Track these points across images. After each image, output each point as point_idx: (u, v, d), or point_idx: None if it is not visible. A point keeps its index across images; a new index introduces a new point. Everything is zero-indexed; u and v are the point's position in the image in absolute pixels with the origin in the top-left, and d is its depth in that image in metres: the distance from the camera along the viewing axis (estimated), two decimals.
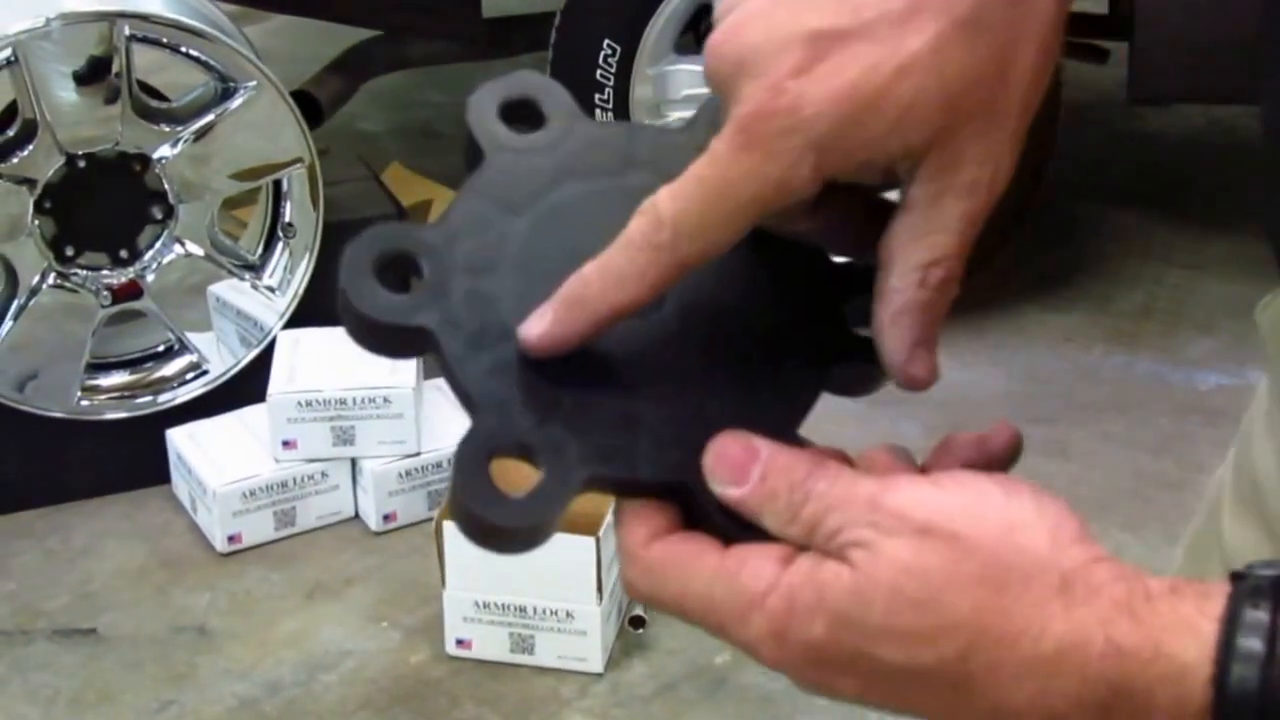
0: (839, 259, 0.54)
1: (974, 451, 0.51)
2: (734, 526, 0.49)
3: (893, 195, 0.53)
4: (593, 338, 0.50)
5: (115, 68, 2.03)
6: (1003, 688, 0.46)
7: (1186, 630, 0.45)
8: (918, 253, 0.50)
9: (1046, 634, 0.45)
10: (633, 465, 0.49)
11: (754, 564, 0.48)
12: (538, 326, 0.49)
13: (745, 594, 0.47)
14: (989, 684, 0.46)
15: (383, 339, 0.51)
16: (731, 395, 0.50)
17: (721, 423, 0.49)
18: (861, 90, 0.48)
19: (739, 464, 0.49)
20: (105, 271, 2.13)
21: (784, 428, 0.50)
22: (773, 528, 0.48)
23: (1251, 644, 0.44)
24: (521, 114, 0.54)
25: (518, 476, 0.49)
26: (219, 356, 2.21)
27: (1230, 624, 0.45)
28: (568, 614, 1.81)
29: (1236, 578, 0.46)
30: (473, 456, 0.48)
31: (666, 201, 0.49)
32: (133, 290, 2.14)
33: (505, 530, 0.47)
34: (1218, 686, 0.44)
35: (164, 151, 2.09)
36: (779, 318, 0.52)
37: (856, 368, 0.52)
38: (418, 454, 2.08)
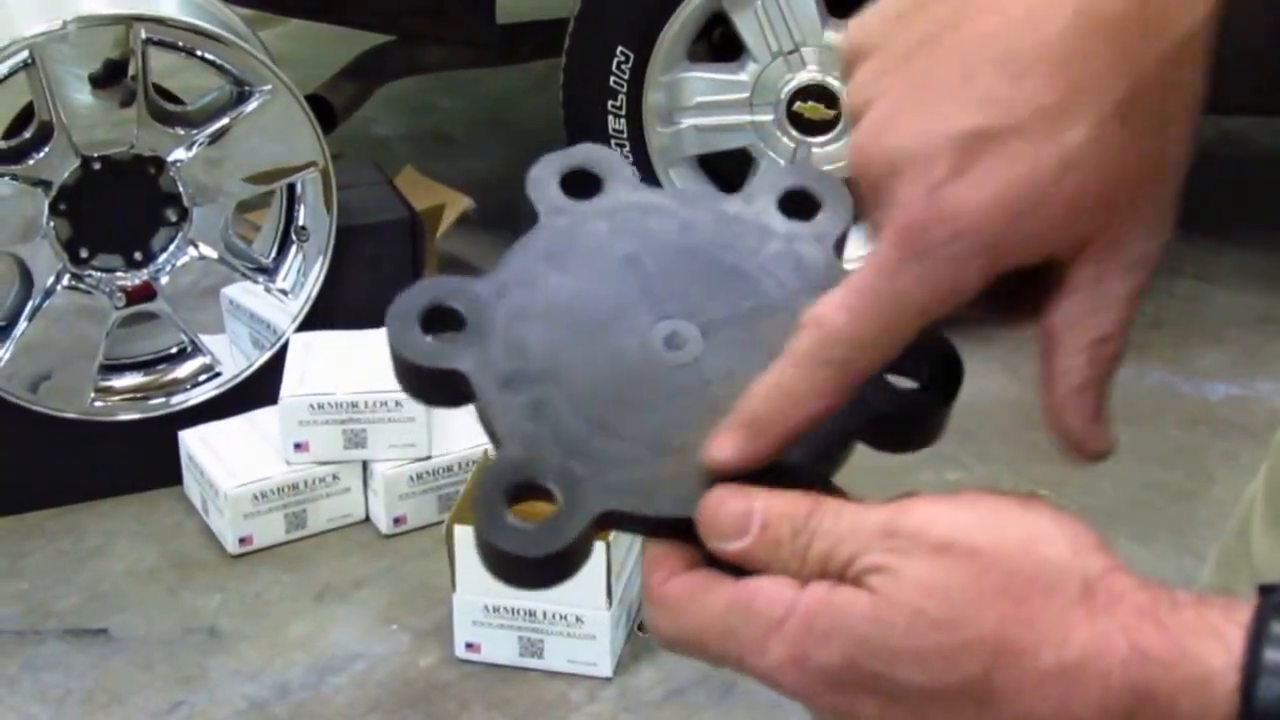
0: None
1: None
2: None
3: None
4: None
5: (131, 71, 2.04)
6: (1025, 699, 0.45)
7: (1213, 636, 0.44)
8: (1086, 332, 0.50)
9: (1069, 642, 0.45)
10: (647, 502, 0.49)
11: (769, 590, 0.48)
12: (726, 450, 0.50)
13: (762, 621, 0.47)
14: (1012, 697, 0.45)
15: (422, 382, 0.53)
16: None
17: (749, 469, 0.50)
18: (1023, 191, 0.47)
19: (737, 516, 0.48)
20: (119, 273, 2.13)
21: (813, 477, 0.50)
22: (780, 573, 0.48)
23: (1279, 658, 0.44)
24: (581, 183, 0.56)
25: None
26: (231, 359, 2.22)
27: (1257, 635, 0.44)
28: (577, 618, 1.81)
29: (1266, 591, 0.46)
30: (491, 487, 0.49)
31: (836, 315, 0.49)
32: (146, 292, 2.15)
33: (514, 559, 0.48)
34: (1244, 697, 0.43)
35: (179, 154, 2.10)
36: None
37: (896, 420, 0.52)
38: (429, 458, 2.08)
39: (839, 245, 0.56)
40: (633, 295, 0.53)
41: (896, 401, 0.52)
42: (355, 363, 2.09)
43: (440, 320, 0.53)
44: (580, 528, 0.48)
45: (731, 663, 0.48)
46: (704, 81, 2.53)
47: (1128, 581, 0.46)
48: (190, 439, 2.13)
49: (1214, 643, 0.44)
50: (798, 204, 0.57)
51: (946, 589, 0.46)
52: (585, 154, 0.57)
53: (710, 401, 0.51)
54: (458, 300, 0.53)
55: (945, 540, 0.46)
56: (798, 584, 0.47)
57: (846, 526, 0.47)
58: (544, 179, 0.56)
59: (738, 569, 0.49)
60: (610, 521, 0.49)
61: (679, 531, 0.50)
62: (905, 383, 0.53)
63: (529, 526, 0.48)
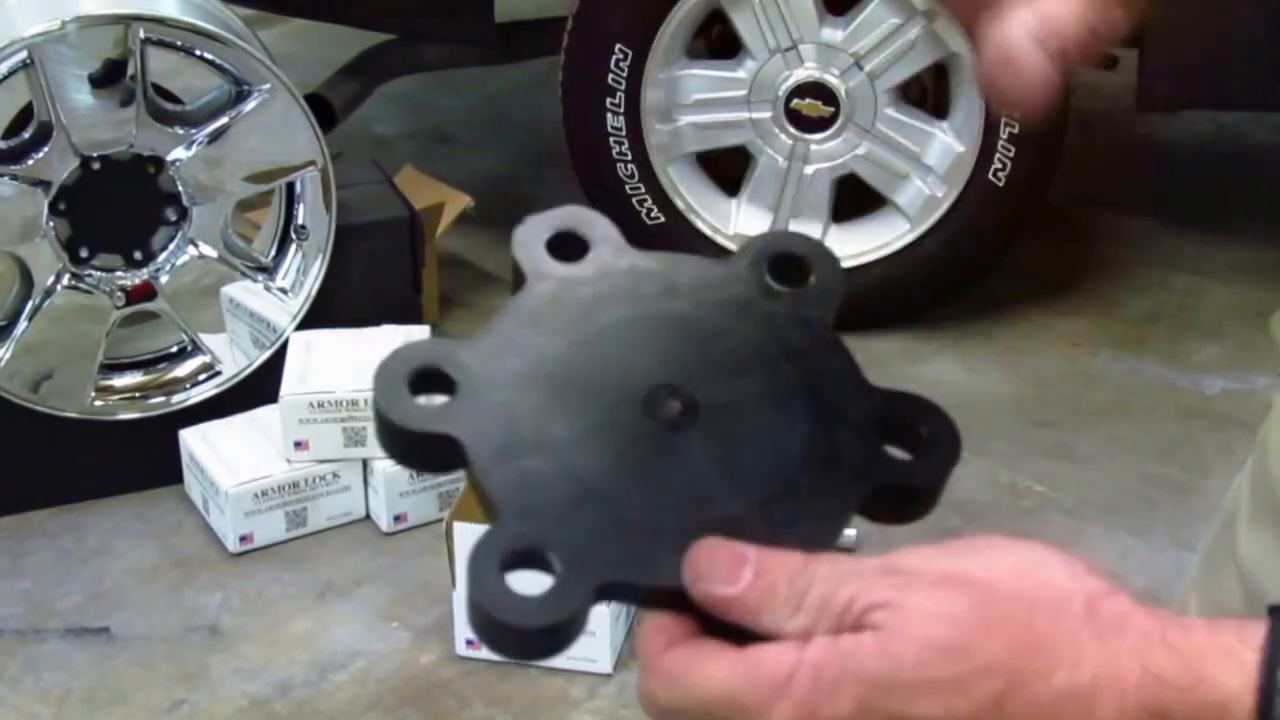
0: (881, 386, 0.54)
1: None
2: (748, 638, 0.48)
3: None
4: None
5: (130, 71, 2.04)
6: None
7: (1228, 658, 0.44)
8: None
9: (1081, 665, 0.45)
10: (648, 572, 0.49)
11: (773, 652, 0.47)
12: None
13: (767, 684, 0.46)
14: None
15: (412, 447, 0.51)
16: (760, 514, 0.50)
17: (748, 538, 0.49)
18: None
19: (729, 563, 0.48)
20: (119, 273, 2.14)
21: (813, 546, 0.50)
22: (773, 625, 0.47)
23: None
24: (567, 245, 0.56)
25: None
26: (232, 358, 2.23)
27: (1272, 657, 0.44)
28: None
29: (1276, 612, 0.45)
30: (487, 555, 0.48)
31: None
32: (146, 291, 2.16)
33: (513, 630, 0.47)
34: (1262, 716, 0.43)
35: (178, 154, 2.10)
36: (814, 439, 0.52)
37: (893, 491, 0.52)
38: None
39: (829, 307, 0.56)
40: (624, 362, 0.53)
41: (895, 473, 0.52)
42: (355, 361, 2.10)
43: (428, 384, 0.52)
44: (581, 598, 0.48)
45: None
46: (702, 79, 2.54)
47: (1129, 603, 0.46)
48: (191, 438, 2.14)
49: (1229, 665, 0.44)
50: (786, 268, 0.56)
51: (952, 617, 0.46)
52: (570, 216, 0.56)
53: (711, 468, 0.51)
54: (446, 364, 0.52)
55: (945, 573, 0.47)
56: (800, 645, 0.47)
57: (845, 570, 0.47)
58: (530, 242, 0.55)
59: (738, 639, 0.48)
60: (610, 592, 0.49)
61: (679, 603, 0.49)
62: (901, 454, 0.52)
63: (530, 597, 0.47)
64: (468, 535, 1.79)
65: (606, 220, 0.57)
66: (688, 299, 0.55)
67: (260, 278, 2.22)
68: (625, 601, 0.50)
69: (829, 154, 2.53)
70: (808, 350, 0.54)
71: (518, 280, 0.56)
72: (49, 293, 2.10)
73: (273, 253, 2.23)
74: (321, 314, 2.20)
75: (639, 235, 0.64)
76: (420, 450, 0.52)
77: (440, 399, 0.52)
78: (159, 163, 2.10)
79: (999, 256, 2.61)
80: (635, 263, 0.55)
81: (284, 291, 2.22)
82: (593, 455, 0.50)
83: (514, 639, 0.48)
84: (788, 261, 0.56)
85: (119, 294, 2.14)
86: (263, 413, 2.15)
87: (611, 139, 2.54)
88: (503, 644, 0.48)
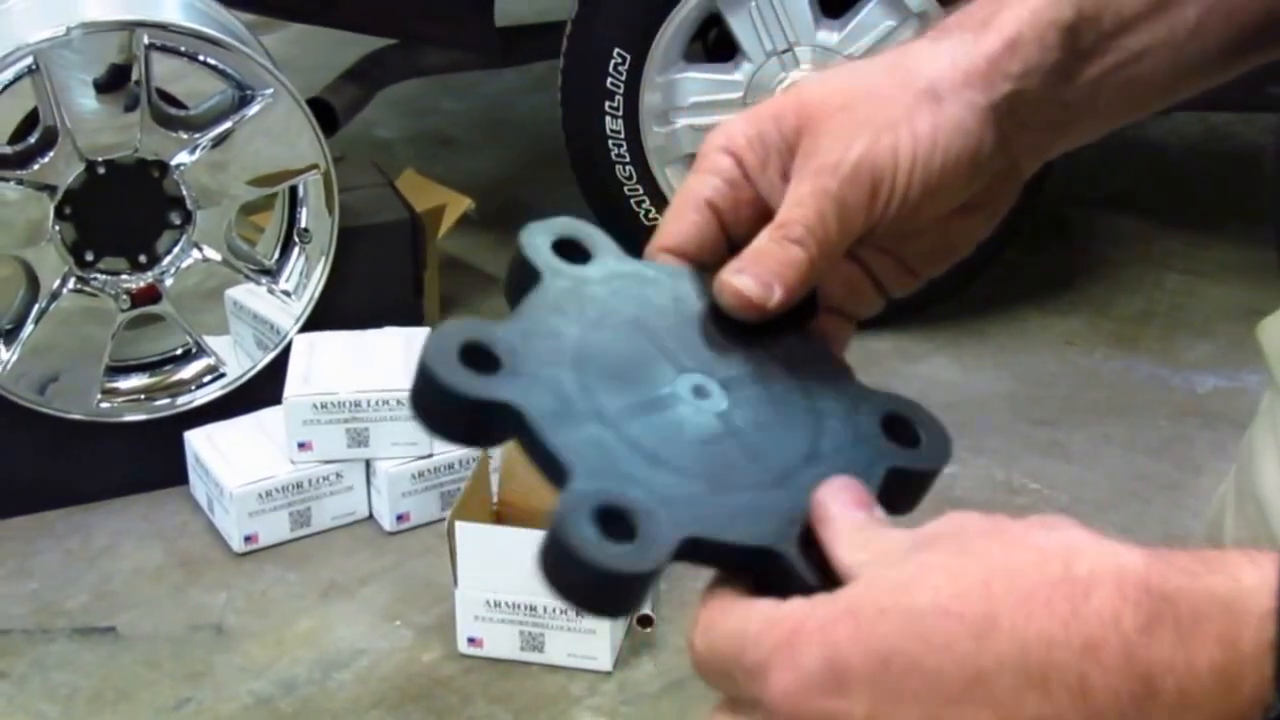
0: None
1: None
2: (812, 592, 0.50)
3: None
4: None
5: (135, 75, 2.06)
6: (1033, 617, 0.43)
7: (1243, 558, 0.42)
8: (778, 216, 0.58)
9: (1078, 557, 0.43)
10: (725, 530, 0.51)
11: (788, 601, 0.48)
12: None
13: (763, 617, 0.48)
14: (1016, 616, 0.43)
15: (464, 415, 0.53)
16: (796, 490, 0.53)
17: (799, 504, 0.53)
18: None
19: (864, 495, 0.52)
20: (124, 276, 2.16)
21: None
22: (844, 548, 0.50)
23: None
24: (571, 250, 0.59)
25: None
26: (236, 360, 2.25)
27: None
28: (578, 613, 1.83)
29: None
30: (575, 509, 0.49)
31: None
32: (151, 294, 2.17)
33: (605, 576, 0.48)
34: None
35: (182, 158, 2.12)
36: (834, 428, 0.56)
37: (900, 476, 0.56)
38: (431, 456, 2.11)
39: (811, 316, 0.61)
40: (650, 351, 0.56)
41: (906, 458, 0.56)
42: (358, 362, 2.12)
43: (474, 359, 0.53)
44: (668, 550, 0.50)
45: (729, 663, 0.48)
46: (699, 81, 2.56)
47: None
48: (196, 439, 2.16)
49: (1244, 562, 0.42)
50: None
51: (958, 524, 0.48)
52: (569, 225, 0.59)
53: (748, 448, 0.54)
54: (491, 341, 0.53)
55: (964, 515, 0.49)
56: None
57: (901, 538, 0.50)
58: (539, 244, 0.58)
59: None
60: (689, 549, 0.51)
61: (751, 559, 0.51)
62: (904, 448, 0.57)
63: (621, 546, 0.49)
64: (469, 534, 1.82)
65: (601, 231, 0.60)
66: (692, 303, 0.59)
67: (264, 280, 2.24)
68: (700, 559, 0.52)
69: None
70: (810, 357, 0.59)
71: (523, 278, 0.58)
72: (55, 296, 2.12)
73: (276, 256, 2.25)
74: (324, 316, 2.22)
75: (637, 236, 0.67)
76: (473, 419, 0.53)
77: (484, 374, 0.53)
78: (163, 167, 2.12)
79: (993, 256, 2.63)
80: (637, 269, 0.59)
81: (287, 294, 2.24)
82: (645, 428, 0.53)
83: (607, 588, 0.49)
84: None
85: (124, 297, 2.16)
86: (267, 414, 2.17)
87: (610, 142, 2.56)
88: (588, 594, 0.49)
